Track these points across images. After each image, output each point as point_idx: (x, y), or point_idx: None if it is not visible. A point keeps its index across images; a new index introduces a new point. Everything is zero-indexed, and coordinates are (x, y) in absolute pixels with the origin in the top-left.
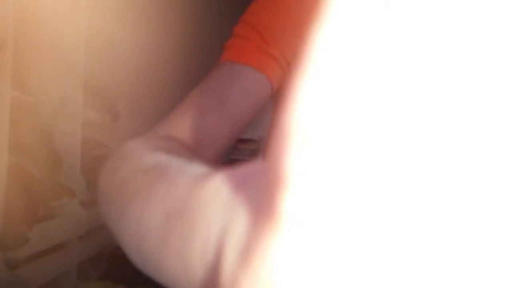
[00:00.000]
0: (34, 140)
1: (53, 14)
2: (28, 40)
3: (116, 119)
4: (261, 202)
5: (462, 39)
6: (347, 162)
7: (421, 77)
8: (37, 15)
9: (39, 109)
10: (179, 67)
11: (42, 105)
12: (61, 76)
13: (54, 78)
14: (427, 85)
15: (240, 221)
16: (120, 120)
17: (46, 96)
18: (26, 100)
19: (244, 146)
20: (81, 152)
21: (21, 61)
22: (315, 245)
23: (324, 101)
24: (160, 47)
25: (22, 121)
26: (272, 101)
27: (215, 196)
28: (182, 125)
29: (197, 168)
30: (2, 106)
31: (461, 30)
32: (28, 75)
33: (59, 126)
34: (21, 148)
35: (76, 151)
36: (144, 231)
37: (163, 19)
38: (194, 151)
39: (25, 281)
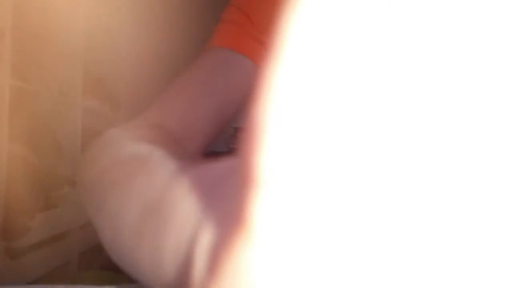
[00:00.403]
0: (34, 129)
1: (52, 3)
2: (27, 29)
3: (116, 109)
4: (231, 207)
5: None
6: (320, 162)
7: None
8: (37, 4)
9: (38, 98)
10: (179, 58)
11: (41, 94)
12: (60, 65)
13: (53, 67)
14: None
15: (210, 227)
16: (120, 110)
17: (46, 84)
18: (25, 89)
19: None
20: (81, 141)
21: (20, 50)
22: (289, 253)
23: (297, 99)
24: (161, 37)
25: (22, 110)
26: None
27: (188, 195)
28: (169, 113)
29: (176, 162)
30: (1, 95)
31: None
32: (27, 64)
33: (59, 115)
34: (21, 137)
35: (76, 140)
36: (120, 225)
37: (165, 10)
38: (180, 140)
39: (27, 270)
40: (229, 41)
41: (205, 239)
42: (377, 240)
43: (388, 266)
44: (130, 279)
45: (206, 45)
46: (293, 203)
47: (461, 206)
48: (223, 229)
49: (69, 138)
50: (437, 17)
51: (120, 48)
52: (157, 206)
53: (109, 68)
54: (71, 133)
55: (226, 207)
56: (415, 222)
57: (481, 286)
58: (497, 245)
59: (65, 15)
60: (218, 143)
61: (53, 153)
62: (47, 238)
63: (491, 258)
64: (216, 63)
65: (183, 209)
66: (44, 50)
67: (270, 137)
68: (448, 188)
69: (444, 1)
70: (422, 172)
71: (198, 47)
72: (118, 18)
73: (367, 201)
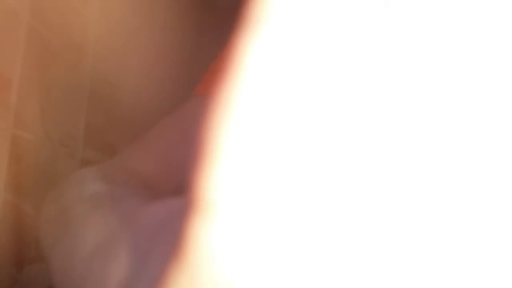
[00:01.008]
0: (31, 179)
1: (59, 57)
2: (33, 80)
3: None
4: (171, 245)
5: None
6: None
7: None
8: (45, 57)
9: (39, 148)
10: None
11: (42, 144)
12: (63, 116)
13: (56, 118)
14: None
15: (149, 265)
16: None
17: (47, 135)
18: (27, 139)
19: None
20: None
21: (25, 100)
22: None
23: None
24: (162, 88)
25: (21, 160)
26: None
27: (131, 239)
28: (145, 158)
29: (132, 202)
30: (3, 144)
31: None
32: (31, 115)
33: (58, 166)
34: (18, 186)
35: None
36: (70, 266)
37: (166, 62)
38: (153, 184)
39: None
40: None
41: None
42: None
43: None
44: None
45: (191, 94)
46: (239, 228)
47: (457, 207)
48: (162, 263)
49: None
50: (436, 18)
51: (124, 101)
52: (105, 248)
53: (111, 121)
54: None
55: (167, 247)
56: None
57: (480, 285)
58: (497, 244)
59: (71, 71)
60: None
61: None
62: None
63: (490, 258)
64: (198, 112)
65: (125, 253)
66: (49, 102)
67: (218, 160)
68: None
69: (442, 2)
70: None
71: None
72: (123, 74)
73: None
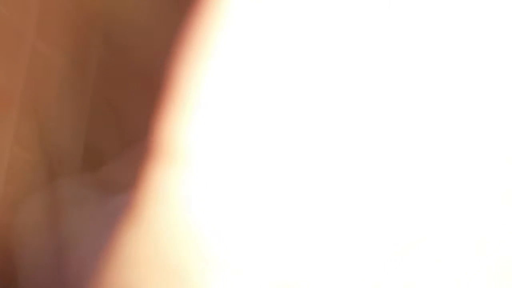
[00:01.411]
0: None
1: (63, 74)
2: (35, 98)
3: None
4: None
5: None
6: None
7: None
8: (46, 74)
9: (37, 168)
10: None
11: (40, 163)
12: (62, 135)
13: (55, 137)
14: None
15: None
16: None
17: (45, 154)
18: (25, 158)
19: None
20: None
21: (26, 118)
22: None
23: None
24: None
25: (18, 179)
26: None
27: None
28: (127, 170)
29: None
30: (0, 162)
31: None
32: (31, 133)
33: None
34: (14, 207)
35: None
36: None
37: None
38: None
39: None
40: None
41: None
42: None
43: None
44: None
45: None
46: (201, 176)
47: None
48: (109, 220)
49: None
50: (436, 18)
51: (124, 123)
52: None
53: (110, 141)
54: None
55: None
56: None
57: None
58: None
59: (72, 91)
60: None
61: None
62: None
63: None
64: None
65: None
66: (48, 121)
67: (187, 106)
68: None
69: (443, 2)
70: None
71: None
72: (121, 95)
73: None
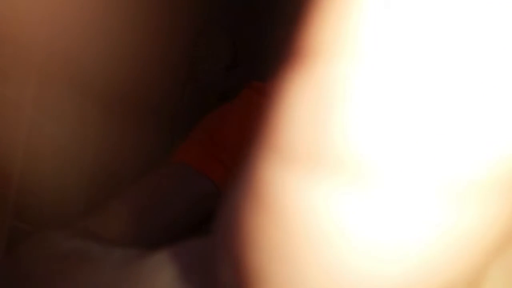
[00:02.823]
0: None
1: (60, 153)
2: (33, 175)
3: None
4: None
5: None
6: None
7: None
8: (48, 149)
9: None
10: None
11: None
12: (61, 207)
13: (56, 212)
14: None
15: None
16: None
17: (44, 226)
18: (25, 230)
19: None
20: None
21: (25, 192)
22: None
23: None
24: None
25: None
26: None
27: (158, 270)
28: (112, 221)
29: (124, 251)
30: (2, 236)
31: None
32: (29, 206)
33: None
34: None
35: None
36: None
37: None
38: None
39: None
40: (190, 158)
41: None
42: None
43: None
44: None
45: (166, 161)
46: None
47: None
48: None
49: None
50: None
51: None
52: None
53: (115, 162)
54: None
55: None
56: None
57: None
58: None
59: (71, 160)
60: None
61: None
62: None
63: None
64: (176, 178)
65: (154, 282)
66: (49, 194)
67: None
68: None
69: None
70: None
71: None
72: (122, 161)
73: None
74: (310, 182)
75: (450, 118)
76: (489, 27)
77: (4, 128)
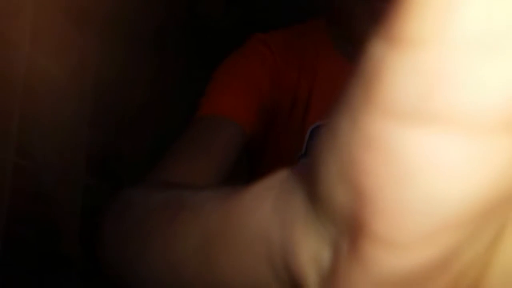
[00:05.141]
0: (33, 208)
1: (59, 88)
2: (34, 111)
3: (117, 187)
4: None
5: None
6: None
7: None
8: (45, 88)
9: (40, 176)
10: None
11: (44, 173)
12: (64, 145)
13: (57, 147)
14: None
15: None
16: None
17: (49, 163)
18: (28, 167)
19: None
20: (81, 220)
21: (26, 130)
22: None
23: None
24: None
25: (23, 189)
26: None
27: (260, 204)
28: (172, 172)
29: (217, 191)
30: (4, 172)
31: None
32: (33, 143)
33: (60, 194)
34: (20, 216)
35: (75, 220)
36: (177, 260)
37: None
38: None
39: None
40: (219, 109)
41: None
42: None
43: None
44: None
45: (196, 112)
46: None
47: None
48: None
49: (68, 217)
50: None
51: (125, 130)
52: (221, 228)
53: (112, 148)
54: (70, 213)
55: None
56: None
57: None
58: None
59: (71, 101)
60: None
61: (51, 232)
62: None
63: None
64: (210, 129)
65: (257, 219)
66: (50, 131)
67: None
68: None
69: None
70: None
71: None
72: (125, 103)
73: None
74: (417, 131)
75: None
76: None
77: (2, 66)
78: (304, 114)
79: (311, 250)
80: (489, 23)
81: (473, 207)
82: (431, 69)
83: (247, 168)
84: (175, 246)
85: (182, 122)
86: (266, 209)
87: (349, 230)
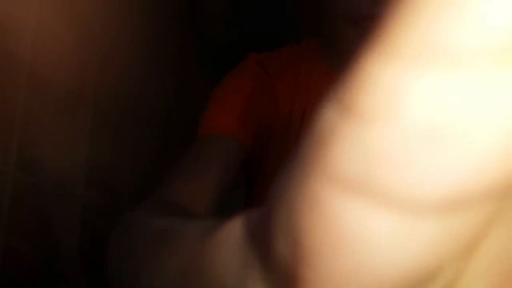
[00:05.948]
0: (32, 223)
1: (60, 103)
2: (34, 125)
3: (116, 201)
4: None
5: None
6: None
7: None
8: (47, 100)
9: (40, 191)
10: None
11: (43, 187)
12: (64, 159)
13: (58, 161)
14: None
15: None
16: (121, 203)
17: (49, 178)
18: (28, 182)
19: None
20: (80, 236)
21: (27, 142)
22: None
23: None
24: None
25: (23, 203)
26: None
27: (226, 240)
28: (175, 191)
29: (201, 223)
30: (4, 187)
31: None
32: (32, 157)
33: (59, 209)
34: (19, 231)
35: (74, 235)
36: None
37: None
38: (188, 209)
39: None
40: (218, 127)
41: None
42: None
43: None
44: None
45: (197, 131)
46: None
47: None
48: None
49: (67, 232)
50: None
51: (126, 144)
52: (194, 260)
53: (112, 164)
54: (70, 227)
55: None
56: None
57: None
58: None
59: (71, 108)
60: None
61: (49, 249)
62: None
63: None
64: (211, 148)
65: (223, 254)
66: (50, 144)
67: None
68: None
69: None
70: None
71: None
72: (121, 113)
73: None
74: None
75: None
76: None
77: (3, 79)
78: (299, 130)
79: None
80: (435, 115)
81: (398, 280)
82: (375, 145)
83: (245, 182)
84: (161, 275)
85: (182, 139)
86: (222, 257)
87: (290, 284)
